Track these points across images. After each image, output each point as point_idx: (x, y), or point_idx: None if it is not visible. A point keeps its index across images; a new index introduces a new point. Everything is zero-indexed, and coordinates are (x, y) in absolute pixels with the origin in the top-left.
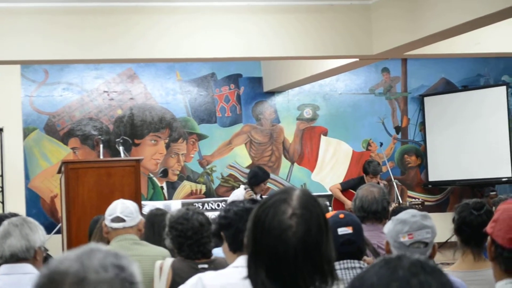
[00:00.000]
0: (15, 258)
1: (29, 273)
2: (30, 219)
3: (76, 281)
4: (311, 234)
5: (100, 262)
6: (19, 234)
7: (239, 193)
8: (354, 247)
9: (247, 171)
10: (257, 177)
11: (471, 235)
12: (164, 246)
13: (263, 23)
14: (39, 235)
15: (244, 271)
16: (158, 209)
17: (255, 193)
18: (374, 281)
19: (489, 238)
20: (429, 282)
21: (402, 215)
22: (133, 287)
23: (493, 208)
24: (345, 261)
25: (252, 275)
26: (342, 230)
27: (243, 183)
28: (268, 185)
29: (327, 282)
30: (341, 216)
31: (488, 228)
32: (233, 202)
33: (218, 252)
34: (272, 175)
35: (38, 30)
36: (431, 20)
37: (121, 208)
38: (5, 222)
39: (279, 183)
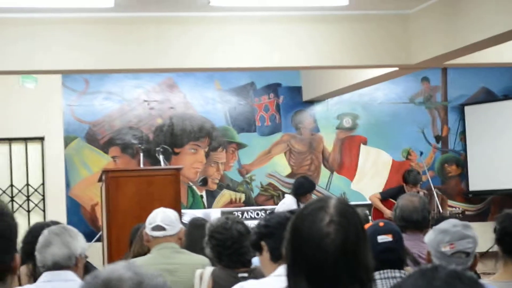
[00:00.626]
0: (57, 266)
1: (71, 280)
2: (70, 227)
3: (134, 285)
4: (349, 242)
5: (147, 270)
6: (60, 242)
7: (288, 202)
8: (394, 255)
9: (287, 180)
10: (303, 187)
11: None
12: (204, 255)
13: (301, 33)
14: (79, 242)
15: (285, 280)
16: (198, 219)
17: (300, 204)
18: None
19: None
20: None
21: (443, 224)
22: None
23: None
24: (385, 270)
25: (291, 286)
26: (382, 238)
27: (288, 193)
28: None
29: None
30: (381, 224)
31: None
32: (273, 212)
33: (257, 261)
34: None
35: (79, 39)
36: (471, 29)
37: (162, 217)
38: (45, 231)
39: (319, 192)
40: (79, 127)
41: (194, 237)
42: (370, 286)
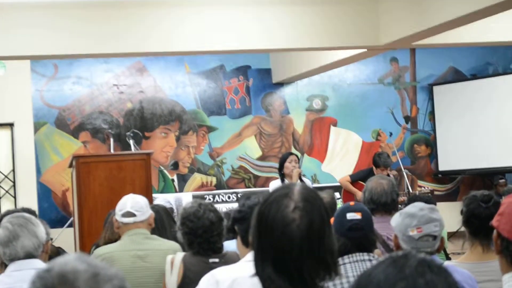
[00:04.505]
0: (28, 256)
1: (39, 268)
2: (28, 215)
3: (90, 276)
4: (314, 227)
5: (99, 262)
6: (28, 233)
7: (277, 184)
8: (362, 234)
9: (258, 162)
10: (280, 160)
11: (479, 227)
12: (175, 240)
13: (270, 15)
14: (42, 228)
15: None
16: (157, 205)
17: (285, 178)
18: (381, 279)
19: (495, 231)
20: (435, 282)
21: (410, 208)
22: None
23: (502, 198)
24: (354, 254)
25: (259, 271)
26: (350, 215)
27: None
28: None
29: (331, 274)
30: (352, 203)
31: (494, 222)
32: (248, 197)
33: (228, 245)
34: None
35: (48, 24)
36: (439, 9)
37: (132, 203)
38: (8, 225)
39: None
40: (49, 113)
41: (164, 222)
42: (335, 269)
